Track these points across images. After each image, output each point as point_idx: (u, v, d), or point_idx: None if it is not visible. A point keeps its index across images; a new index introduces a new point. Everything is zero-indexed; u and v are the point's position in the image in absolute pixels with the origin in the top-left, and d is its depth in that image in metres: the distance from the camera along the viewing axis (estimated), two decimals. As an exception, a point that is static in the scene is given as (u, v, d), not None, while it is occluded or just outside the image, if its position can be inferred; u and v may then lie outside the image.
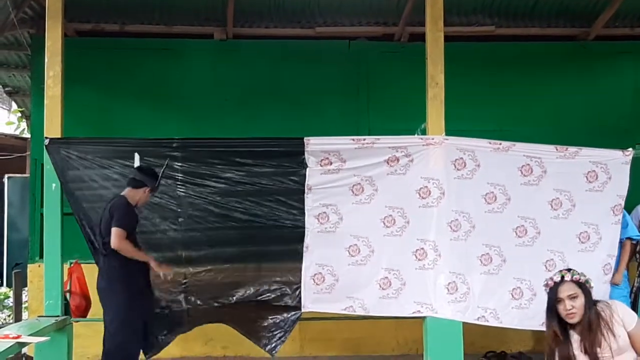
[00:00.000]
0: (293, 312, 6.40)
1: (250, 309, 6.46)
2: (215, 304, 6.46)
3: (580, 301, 4.07)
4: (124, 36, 8.82)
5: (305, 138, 6.34)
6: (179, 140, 6.50)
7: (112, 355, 5.98)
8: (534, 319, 6.42)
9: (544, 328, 6.49)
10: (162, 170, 6.28)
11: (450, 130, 6.49)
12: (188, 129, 8.08)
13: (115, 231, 5.91)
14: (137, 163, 6.26)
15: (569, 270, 4.13)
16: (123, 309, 5.97)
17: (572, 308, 4.10)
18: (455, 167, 6.43)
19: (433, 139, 6.44)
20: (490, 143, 6.47)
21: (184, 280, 6.48)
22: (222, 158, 6.38)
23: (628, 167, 6.46)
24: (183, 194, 6.45)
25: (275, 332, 6.42)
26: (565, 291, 4.10)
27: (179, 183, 6.45)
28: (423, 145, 6.43)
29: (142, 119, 8.58)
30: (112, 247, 5.90)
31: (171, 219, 6.49)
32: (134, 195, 6.17)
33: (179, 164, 6.43)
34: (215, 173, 6.39)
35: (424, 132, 6.82)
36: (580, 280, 4.04)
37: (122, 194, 6.17)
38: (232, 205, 6.41)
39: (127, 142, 6.51)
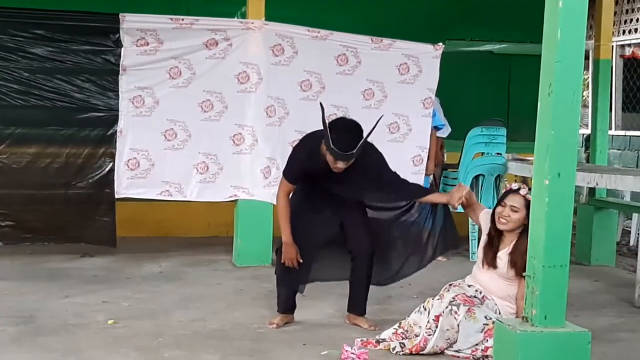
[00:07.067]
0: (106, 200, 6.23)
1: (59, 197, 6.19)
2: (20, 191, 6.12)
3: (517, 217, 4.17)
4: None
5: (120, 14, 6.09)
6: (-22, 9, 5.99)
7: None
8: None
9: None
10: None
11: (271, 16, 6.43)
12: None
13: None
14: None
15: (527, 187, 4.16)
16: None
17: (508, 217, 4.20)
18: (273, 53, 6.43)
19: (253, 23, 6.37)
20: (309, 31, 6.50)
21: None
22: (30, 31, 5.98)
23: (438, 61, 6.71)
24: (-16, 67, 6.01)
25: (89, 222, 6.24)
26: (513, 201, 4.19)
27: (-21, 55, 5.98)
28: (242, 29, 6.36)
29: None
30: None
31: (-29, 93, 6.03)
32: None
33: (-20, 35, 5.95)
34: (22, 47, 5.98)
35: (243, 16, 6.72)
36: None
37: None
38: (39, 83, 6.04)
39: None
